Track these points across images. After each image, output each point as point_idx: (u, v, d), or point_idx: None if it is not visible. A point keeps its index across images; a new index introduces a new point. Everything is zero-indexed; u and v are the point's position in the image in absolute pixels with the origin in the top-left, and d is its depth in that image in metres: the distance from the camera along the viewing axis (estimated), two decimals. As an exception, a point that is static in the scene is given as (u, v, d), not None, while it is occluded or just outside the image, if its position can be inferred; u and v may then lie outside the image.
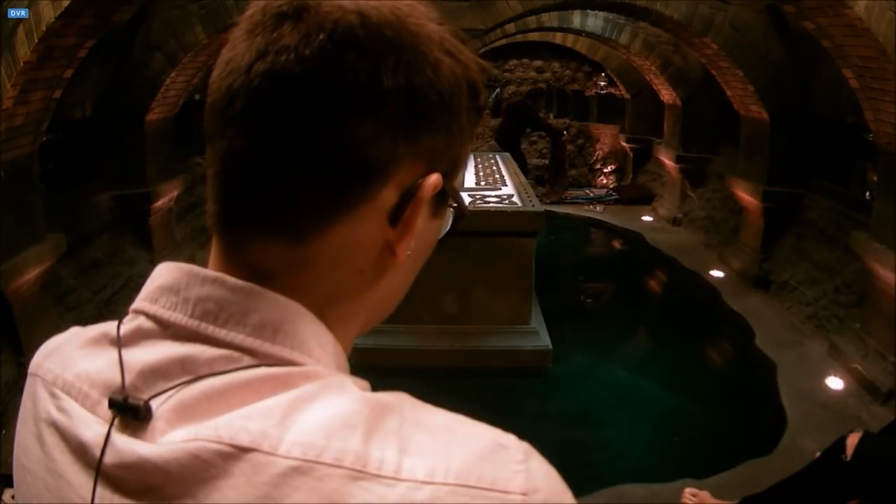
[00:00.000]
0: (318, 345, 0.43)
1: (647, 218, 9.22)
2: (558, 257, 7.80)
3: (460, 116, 0.48)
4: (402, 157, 0.45)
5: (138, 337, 0.44)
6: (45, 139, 4.55)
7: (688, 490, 3.18)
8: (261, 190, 0.44)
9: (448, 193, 0.50)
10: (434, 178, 0.47)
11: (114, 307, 5.42)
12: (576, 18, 8.80)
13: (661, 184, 9.80)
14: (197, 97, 7.25)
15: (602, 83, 11.35)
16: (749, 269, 6.40)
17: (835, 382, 4.43)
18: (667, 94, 8.91)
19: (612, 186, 10.97)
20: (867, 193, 5.49)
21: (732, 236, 7.20)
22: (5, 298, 4.00)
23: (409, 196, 0.46)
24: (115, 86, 5.86)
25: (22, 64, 3.83)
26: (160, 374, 0.41)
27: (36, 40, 3.82)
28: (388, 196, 0.45)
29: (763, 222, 6.35)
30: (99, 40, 4.47)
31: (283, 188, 0.43)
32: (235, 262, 0.45)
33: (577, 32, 9.44)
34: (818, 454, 2.75)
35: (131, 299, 0.47)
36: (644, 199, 9.95)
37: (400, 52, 0.44)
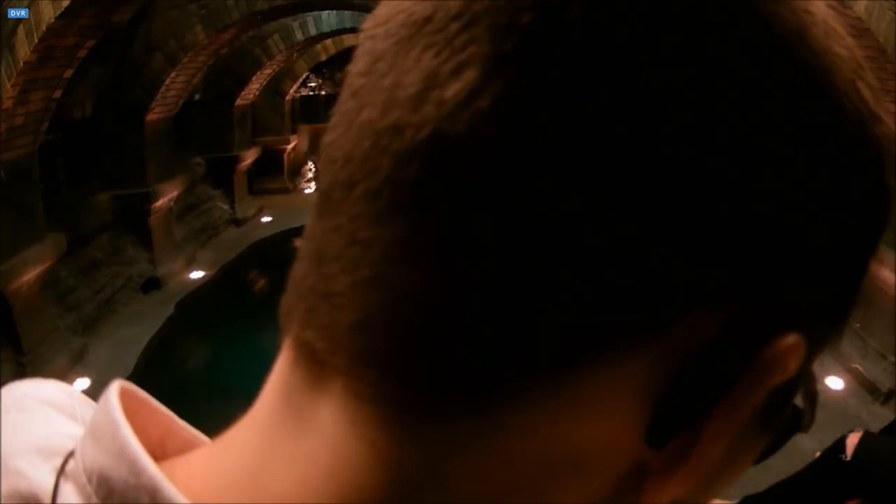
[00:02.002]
0: None
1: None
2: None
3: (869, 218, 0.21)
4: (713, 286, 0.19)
5: None
6: (45, 139, 4.56)
7: (688, 490, 3.19)
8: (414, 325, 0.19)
9: (800, 384, 0.24)
10: (791, 343, 0.20)
11: (113, 307, 5.43)
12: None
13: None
14: (197, 97, 7.25)
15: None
16: (749, 269, 6.41)
17: (835, 382, 4.44)
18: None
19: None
20: (867, 193, 5.50)
21: (732, 236, 7.21)
22: (5, 298, 4.01)
23: (721, 374, 0.20)
24: (115, 86, 5.87)
25: (22, 64, 3.83)
26: None
27: (36, 40, 3.83)
28: (656, 367, 0.19)
29: (763, 222, 6.36)
30: (99, 40, 4.47)
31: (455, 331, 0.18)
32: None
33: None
34: (818, 454, 2.75)
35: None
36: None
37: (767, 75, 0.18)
